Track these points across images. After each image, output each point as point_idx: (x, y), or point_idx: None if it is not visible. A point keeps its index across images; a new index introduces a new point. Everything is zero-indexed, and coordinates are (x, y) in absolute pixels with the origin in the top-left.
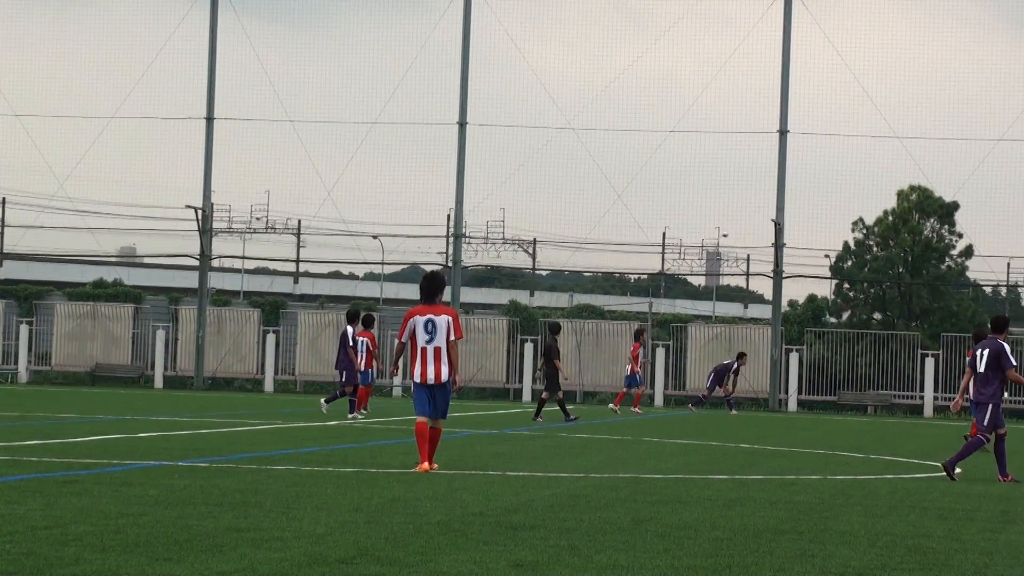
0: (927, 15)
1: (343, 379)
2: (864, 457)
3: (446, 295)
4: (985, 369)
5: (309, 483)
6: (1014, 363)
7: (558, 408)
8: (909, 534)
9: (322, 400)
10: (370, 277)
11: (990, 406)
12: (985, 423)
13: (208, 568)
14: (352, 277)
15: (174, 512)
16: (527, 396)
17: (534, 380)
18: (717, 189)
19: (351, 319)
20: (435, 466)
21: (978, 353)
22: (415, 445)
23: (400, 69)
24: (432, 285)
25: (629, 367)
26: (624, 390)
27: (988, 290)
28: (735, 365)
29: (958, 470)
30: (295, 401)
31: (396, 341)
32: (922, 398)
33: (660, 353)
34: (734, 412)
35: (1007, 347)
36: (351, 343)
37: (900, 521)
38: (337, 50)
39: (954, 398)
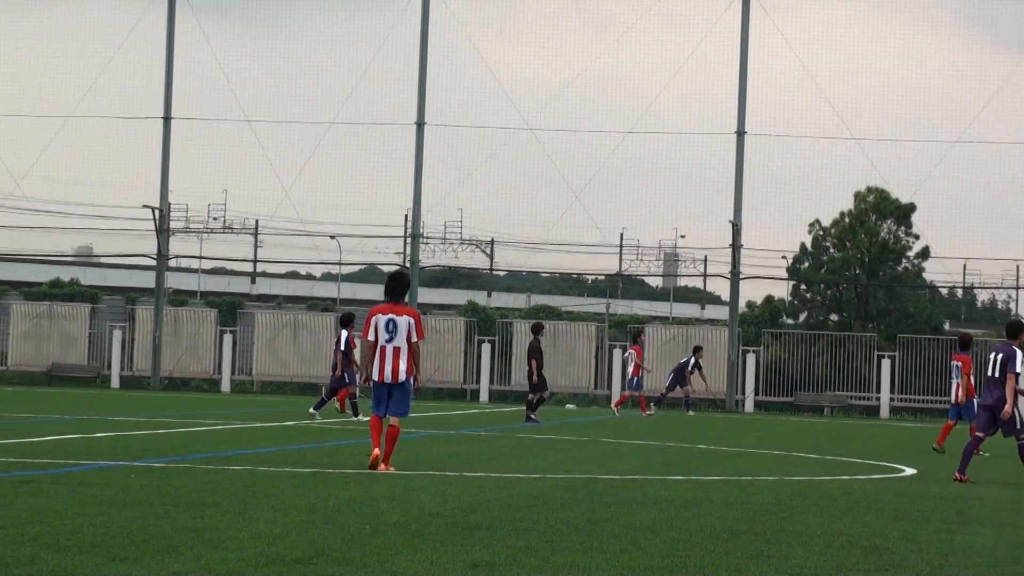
0: (885, 17)
1: (348, 382)
2: (820, 458)
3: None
4: (998, 374)
5: (266, 483)
6: (1019, 371)
7: (525, 406)
8: (865, 535)
9: (349, 414)
10: (328, 277)
11: (1013, 410)
12: (1018, 425)
13: (164, 568)
14: (309, 277)
15: (130, 512)
16: (484, 396)
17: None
18: (675, 190)
19: (346, 323)
20: (391, 468)
21: (991, 357)
22: (371, 437)
23: (358, 69)
24: (397, 285)
25: (631, 370)
26: (637, 394)
27: (944, 291)
28: (693, 360)
29: None
30: (252, 401)
31: (364, 341)
32: (878, 399)
33: (617, 354)
34: (691, 413)
35: (1019, 354)
36: (342, 347)
37: (856, 522)
38: (295, 50)
39: (910, 399)
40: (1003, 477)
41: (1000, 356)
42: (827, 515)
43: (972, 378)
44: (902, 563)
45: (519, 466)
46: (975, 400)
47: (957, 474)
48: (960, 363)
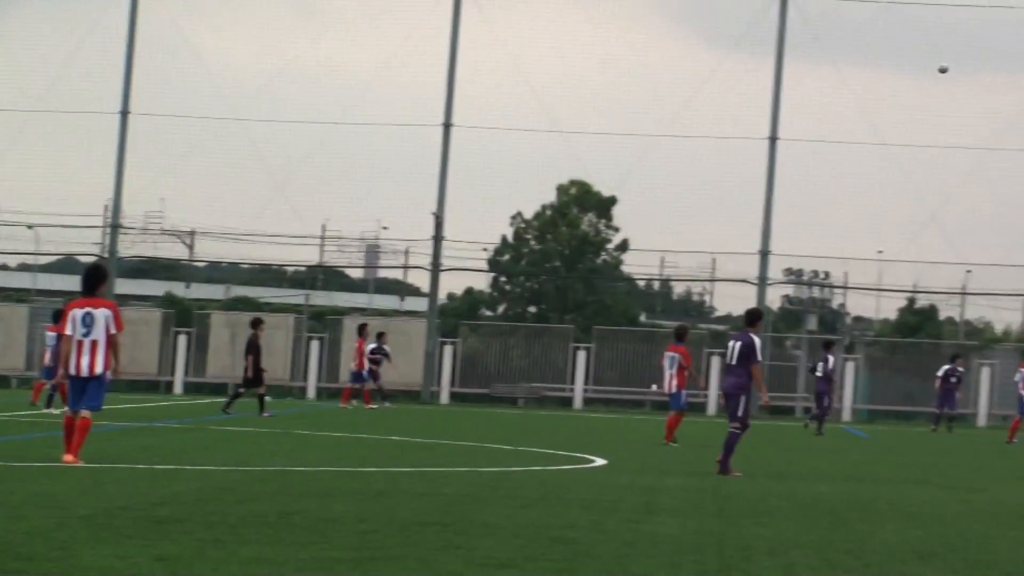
0: (591, 11)
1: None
2: (513, 449)
3: None
4: (737, 362)
5: None
6: (759, 359)
7: (229, 398)
8: (553, 525)
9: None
10: (23, 268)
11: (743, 398)
12: (739, 414)
13: None
14: (4, 268)
15: None
16: (178, 389)
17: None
18: (379, 182)
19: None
20: (79, 461)
21: (729, 346)
22: (62, 438)
23: (64, 56)
24: (92, 278)
25: (355, 364)
26: (358, 386)
27: (641, 284)
28: (373, 347)
29: (737, 473)
30: None
31: (64, 337)
32: (572, 390)
33: (315, 346)
34: (387, 404)
35: (758, 342)
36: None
37: (545, 512)
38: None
39: (604, 391)
40: (690, 467)
41: (739, 344)
42: (517, 506)
43: (687, 370)
44: (589, 552)
45: (211, 458)
46: (684, 392)
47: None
48: (679, 354)
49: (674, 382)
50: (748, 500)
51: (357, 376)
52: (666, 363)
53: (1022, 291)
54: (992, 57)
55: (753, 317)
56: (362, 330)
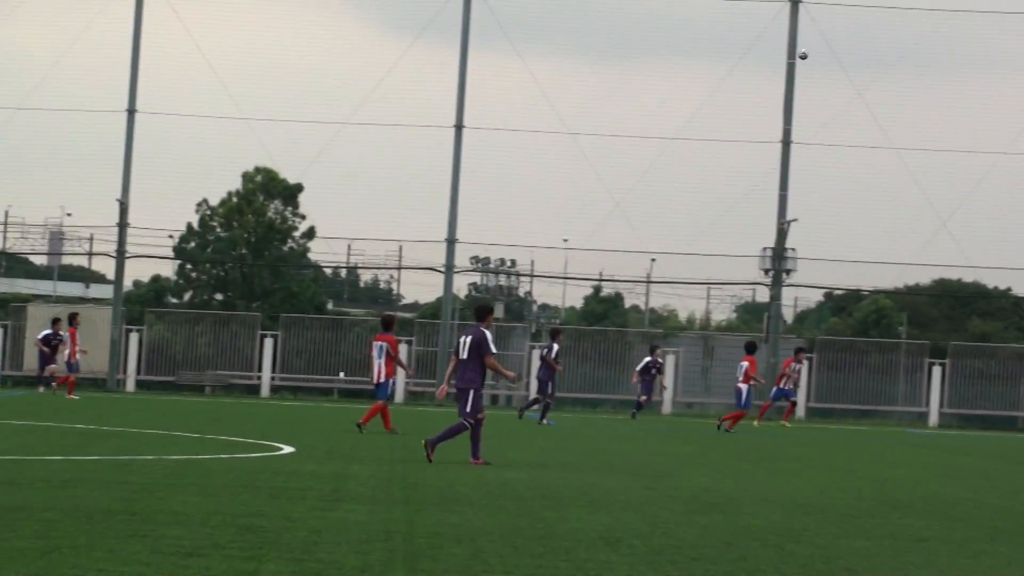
0: None
1: None
2: (201, 437)
3: None
4: (468, 357)
5: None
6: (494, 351)
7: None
8: (241, 513)
9: None
10: None
11: (471, 392)
12: (468, 409)
13: None
14: None
15: None
16: None
17: None
18: (63, 168)
19: None
20: None
21: (461, 341)
22: None
23: None
24: None
25: (69, 354)
26: (70, 375)
27: (328, 271)
28: (48, 333)
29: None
30: None
31: None
32: (260, 378)
33: None
34: (74, 397)
35: (489, 335)
36: None
37: (233, 500)
38: None
39: (292, 378)
40: (378, 454)
41: (471, 339)
42: (205, 494)
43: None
44: (277, 541)
45: None
46: (391, 381)
47: (471, 460)
48: (387, 343)
49: (383, 372)
50: (436, 488)
51: (72, 366)
52: (375, 353)
53: (705, 280)
54: (676, 46)
55: (483, 312)
56: (73, 319)
